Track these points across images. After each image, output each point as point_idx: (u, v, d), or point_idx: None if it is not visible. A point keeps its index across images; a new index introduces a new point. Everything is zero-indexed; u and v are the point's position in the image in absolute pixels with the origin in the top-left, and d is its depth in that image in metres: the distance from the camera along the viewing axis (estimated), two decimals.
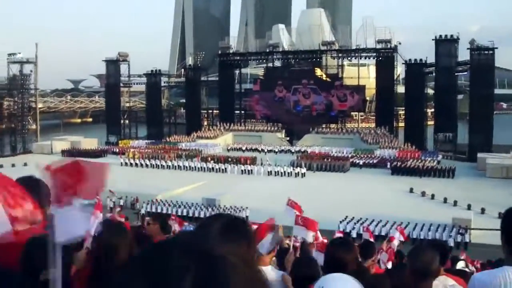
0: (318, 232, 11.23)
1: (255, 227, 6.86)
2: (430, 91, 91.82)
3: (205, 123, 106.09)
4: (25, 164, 75.46)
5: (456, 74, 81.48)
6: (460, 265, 15.43)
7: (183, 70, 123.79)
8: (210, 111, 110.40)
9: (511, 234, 3.39)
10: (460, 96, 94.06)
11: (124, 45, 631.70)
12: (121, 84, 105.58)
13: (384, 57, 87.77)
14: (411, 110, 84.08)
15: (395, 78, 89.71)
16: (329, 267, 4.76)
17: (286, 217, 11.26)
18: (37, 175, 3.78)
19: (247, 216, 43.75)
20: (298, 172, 65.02)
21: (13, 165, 74.72)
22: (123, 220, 21.03)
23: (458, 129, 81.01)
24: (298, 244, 11.27)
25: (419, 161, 69.34)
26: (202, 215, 45.52)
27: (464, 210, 46.22)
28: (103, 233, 4.19)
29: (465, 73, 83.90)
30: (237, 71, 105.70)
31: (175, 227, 22.48)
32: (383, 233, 36.47)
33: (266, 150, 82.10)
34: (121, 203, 50.01)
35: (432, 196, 51.94)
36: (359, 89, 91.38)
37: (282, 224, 10.59)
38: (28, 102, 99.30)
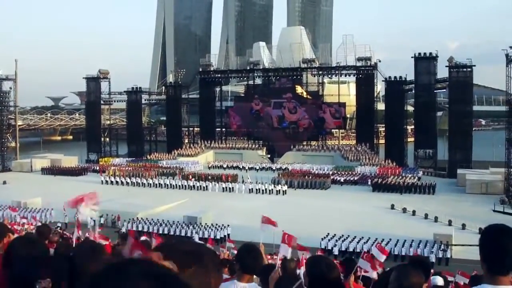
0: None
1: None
2: (410, 108, 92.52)
3: (186, 140, 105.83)
4: (4, 182, 74.92)
5: (435, 91, 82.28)
6: (440, 282, 15.39)
7: (163, 87, 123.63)
8: (191, 128, 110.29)
9: (489, 252, 3.40)
10: (439, 113, 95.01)
11: (105, 62, 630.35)
12: (102, 102, 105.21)
13: (364, 74, 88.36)
14: (391, 127, 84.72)
15: (375, 95, 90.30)
16: (314, 286, 4.72)
17: (264, 234, 11.26)
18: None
19: (228, 234, 43.63)
20: (279, 190, 65.01)
21: None
22: (101, 240, 20.80)
23: (438, 145, 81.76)
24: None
25: (400, 177, 69.64)
26: (183, 233, 45.31)
27: (445, 226, 46.47)
28: (76, 257, 4.08)
29: (444, 90, 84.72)
30: (218, 89, 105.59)
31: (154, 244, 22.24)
32: (365, 250, 36.44)
33: (247, 168, 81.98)
34: (102, 222, 49.58)
35: (413, 212, 52.14)
36: (340, 106, 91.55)
37: (263, 242, 10.57)
38: (8, 119, 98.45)
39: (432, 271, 13.76)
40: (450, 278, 17.27)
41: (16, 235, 5.61)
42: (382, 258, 11.12)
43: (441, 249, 39.01)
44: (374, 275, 10.58)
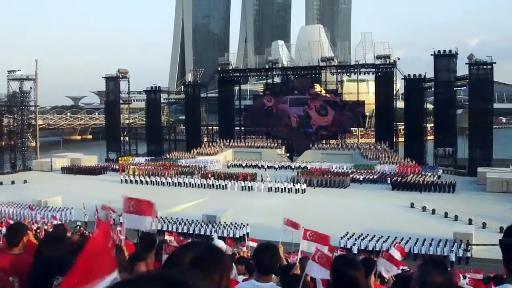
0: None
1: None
2: (430, 106, 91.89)
3: (205, 139, 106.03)
4: (25, 181, 75.61)
5: (455, 89, 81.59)
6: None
7: (182, 86, 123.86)
8: (210, 127, 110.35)
9: (510, 252, 3.35)
10: (459, 111, 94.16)
11: (124, 61, 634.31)
12: (121, 101, 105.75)
13: (383, 72, 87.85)
14: (411, 125, 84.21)
15: (394, 93, 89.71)
16: (339, 285, 4.70)
17: (285, 235, 11.22)
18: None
19: (247, 233, 43.62)
20: (298, 188, 64.86)
21: (12, 182, 74.85)
22: (122, 237, 20.81)
23: (458, 143, 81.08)
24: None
25: (420, 176, 69.26)
26: (202, 232, 45.39)
27: (465, 225, 46.05)
28: None
29: (464, 87, 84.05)
30: (236, 88, 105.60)
31: (174, 244, 22.33)
32: (384, 249, 36.23)
33: (266, 166, 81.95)
34: (121, 221, 49.91)
35: (433, 211, 51.81)
36: (359, 105, 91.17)
37: (282, 241, 10.57)
38: (28, 119, 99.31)
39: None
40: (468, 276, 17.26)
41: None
42: (398, 257, 11.10)
43: (462, 248, 38.69)
44: (394, 271, 10.53)
